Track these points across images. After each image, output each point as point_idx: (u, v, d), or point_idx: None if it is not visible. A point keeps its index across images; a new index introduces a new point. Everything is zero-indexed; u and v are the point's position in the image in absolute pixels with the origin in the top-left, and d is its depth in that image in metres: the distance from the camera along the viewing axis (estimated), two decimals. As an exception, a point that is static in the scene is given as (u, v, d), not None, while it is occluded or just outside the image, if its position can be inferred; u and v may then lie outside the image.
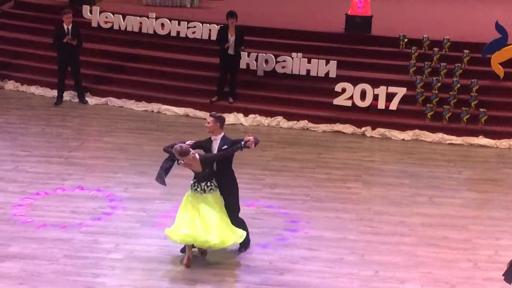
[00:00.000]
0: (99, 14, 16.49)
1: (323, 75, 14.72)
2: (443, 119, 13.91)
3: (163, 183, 9.02)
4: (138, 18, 16.29)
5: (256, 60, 14.97)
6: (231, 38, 14.29)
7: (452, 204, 10.97)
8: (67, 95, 15.14)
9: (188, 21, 16.05)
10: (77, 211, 10.21)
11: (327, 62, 14.70)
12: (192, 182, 8.87)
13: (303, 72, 14.81)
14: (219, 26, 15.01)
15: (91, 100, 15.12)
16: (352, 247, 9.53)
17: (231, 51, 14.34)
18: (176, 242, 8.92)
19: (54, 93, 15.12)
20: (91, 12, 16.54)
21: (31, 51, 16.58)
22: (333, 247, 9.52)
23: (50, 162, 11.93)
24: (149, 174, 10.71)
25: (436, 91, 14.14)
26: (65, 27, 14.60)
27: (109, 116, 14.40)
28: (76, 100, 15.10)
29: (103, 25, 16.49)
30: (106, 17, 16.47)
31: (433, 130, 13.81)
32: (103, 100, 15.15)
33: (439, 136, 13.68)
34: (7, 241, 9.34)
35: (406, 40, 15.11)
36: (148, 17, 16.21)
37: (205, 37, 15.81)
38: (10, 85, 15.93)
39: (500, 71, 14.37)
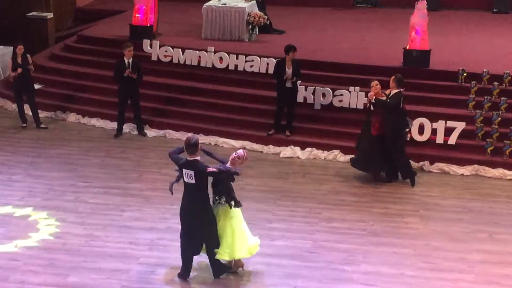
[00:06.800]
0: (159, 48, 16.78)
1: (380, 109, 14.66)
2: (503, 154, 13.68)
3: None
4: (197, 52, 16.52)
5: (313, 93, 15.01)
6: (289, 70, 14.38)
7: (514, 241, 10.77)
8: (127, 127, 15.38)
9: (246, 55, 16.21)
10: (136, 242, 10.34)
11: (385, 96, 14.65)
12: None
13: (361, 106, 14.77)
14: (276, 59, 15.12)
15: (150, 132, 15.33)
16: (410, 283, 9.41)
17: (288, 84, 14.43)
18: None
19: (114, 125, 15.38)
20: (151, 46, 16.84)
21: (93, 84, 16.91)
22: (390, 282, 9.42)
23: (109, 193, 12.13)
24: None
25: (496, 126, 13.94)
26: (126, 60, 14.88)
27: (167, 148, 14.36)
28: (136, 132, 15.33)
29: (163, 59, 16.75)
30: (166, 51, 16.74)
31: (493, 165, 13.58)
32: (161, 132, 15.36)
33: (499, 172, 13.45)
34: (66, 271, 9.51)
35: (465, 74, 14.97)
36: (206, 51, 16.43)
37: (263, 70, 15.93)
38: (72, 117, 16.26)
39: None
